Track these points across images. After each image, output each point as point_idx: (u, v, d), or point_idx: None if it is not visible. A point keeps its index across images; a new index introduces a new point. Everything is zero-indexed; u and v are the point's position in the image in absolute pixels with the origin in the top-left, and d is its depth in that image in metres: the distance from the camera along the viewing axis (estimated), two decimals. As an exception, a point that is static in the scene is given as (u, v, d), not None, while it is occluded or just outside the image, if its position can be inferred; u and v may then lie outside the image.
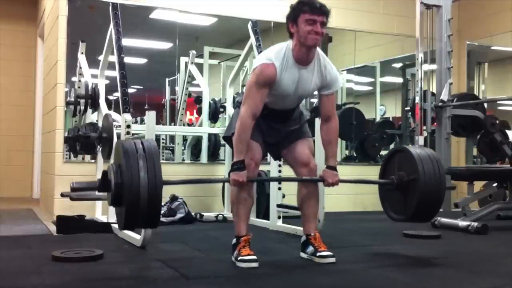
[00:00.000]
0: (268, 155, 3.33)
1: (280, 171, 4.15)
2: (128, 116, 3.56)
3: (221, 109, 5.74)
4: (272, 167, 4.20)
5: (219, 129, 5.55)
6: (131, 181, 2.28)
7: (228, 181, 2.77)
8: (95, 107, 4.46)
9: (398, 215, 3.03)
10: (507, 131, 5.00)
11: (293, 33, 2.75)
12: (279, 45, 2.80)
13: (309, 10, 2.68)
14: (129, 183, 2.29)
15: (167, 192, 4.62)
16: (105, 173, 2.44)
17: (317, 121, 3.46)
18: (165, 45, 6.11)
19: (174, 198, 4.57)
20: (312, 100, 6.31)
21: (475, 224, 4.03)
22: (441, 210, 4.80)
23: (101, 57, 4.46)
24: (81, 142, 4.21)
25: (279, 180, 3.58)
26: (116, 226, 3.80)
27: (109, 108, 4.44)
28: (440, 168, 2.89)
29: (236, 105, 3.14)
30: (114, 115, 4.16)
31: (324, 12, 2.70)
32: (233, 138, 2.79)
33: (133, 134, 3.62)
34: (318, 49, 2.82)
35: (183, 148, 6.03)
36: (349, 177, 5.93)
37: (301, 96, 2.89)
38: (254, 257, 2.71)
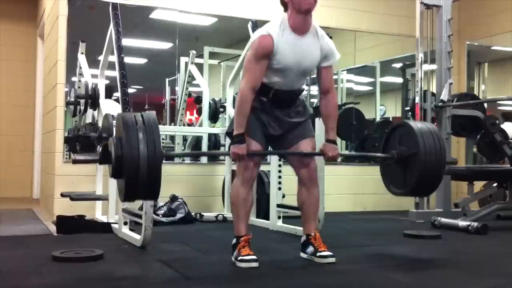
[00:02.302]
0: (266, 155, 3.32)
1: (280, 171, 4.15)
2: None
3: (221, 109, 5.74)
4: (272, 167, 4.20)
5: (219, 129, 5.56)
6: (131, 153, 2.32)
7: (229, 155, 2.78)
8: (95, 107, 4.46)
9: (399, 189, 3.02)
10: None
11: (287, 3, 2.77)
12: (274, 20, 2.82)
13: None
14: (129, 155, 2.32)
15: (167, 192, 4.63)
16: (106, 146, 2.47)
17: (318, 121, 3.48)
18: (165, 45, 6.11)
19: (174, 198, 4.57)
20: (312, 100, 6.32)
21: (475, 224, 4.03)
22: (441, 210, 4.86)
23: (101, 57, 4.46)
24: (81, 142, 4.21)
25: (280, 153, 3.31)
26: (116, 226, 3.80)
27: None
28: (440, 142, 2.88)
29: None
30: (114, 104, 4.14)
31: None
32: (234, 112, 2.81)
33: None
34: (314, 22, 2.83)
35: (183, 148, 6.03)
36: (349, 177, 6.05)
37: (304, 69, 2.85)
38: (254, 257, 2.71)
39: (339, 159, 2.87)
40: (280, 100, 2.86)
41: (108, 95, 4.59)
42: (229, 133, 3.05)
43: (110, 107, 4.14)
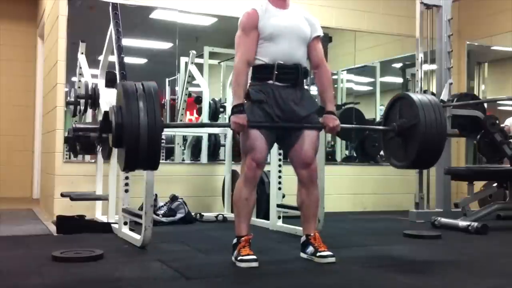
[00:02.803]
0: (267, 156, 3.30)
1: (280, 171, 4.15)
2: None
3: (221, 109, 5.74)
4: (272, 167, 4.20)
5: (219, 129, 5.55)
6: (131, 122, 2.33)
7: (229, 126, 2.78)
8: (95, 107, 4.46)
9: (400, 162, 3.01)
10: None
11: None
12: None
13: None
14: (129, 124, 2.33)
15: (167, 192, 4.63)
16: (106, 114, 2.48)
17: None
18: (165, 45, 6.11)
19: (174, 198, 4.57)
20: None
21: (475, 224, 4.03)
22: (441, 210, 4.86)
23: (101, 57, 4.46)
24: (81, 142, 4.21)
25: (281, 127, 3.16)
26: (116, 226, 3.80)
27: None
28: (441, 113, 2.88)
29: None
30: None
31: None
32: (232, 84, 2.87)
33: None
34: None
35: (183, 148, 6.02)
36: (350, 177, 6.05)
37: (298, 34, 2.87)
38: (254, 257, 2.71)
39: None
40: (286, 75, 2.83)
41: (111, 84, 4.53)
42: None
43: (112, 97, 4.13)
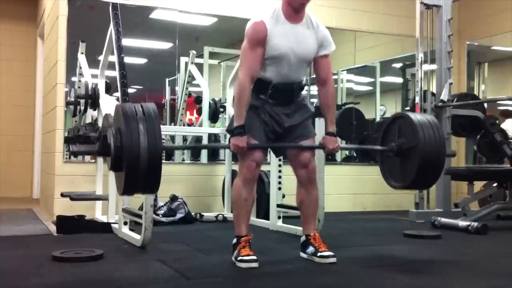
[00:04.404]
0: (267, 155, 3.31)
1: (280, 171, 4.15)
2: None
3: (221, 109, 5.74)
4: (272, 167, 4.19)
5: (219, 129, 5.55)
6: (131, 144, 2.27)
7: (229, 147, 2.76)
8: (95, 107, 4.46)
9: (398, 183, 2.99)
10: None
11: None
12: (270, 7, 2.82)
13: None
14: (129, 147, 2.27)
15: (167, 192, 4.63)
16: (104, 137, 2.42)
17: (318, 121, 3.47)
18: (165, 45, 6.11)
19: (174, 198, 4.57)
20: (312, 100, 6.31)
21: (475, 224, 4.03)
22: (441, 210, 4.86)
23: (101, 57, 4.46)
24: (81, 142, 4.21)
25: (280, 146, 3.18)
26: (116, 226, 3.80)
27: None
28: (440, 134, 2.86)
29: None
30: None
31: None
32: (233, 103, 2.80)
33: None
34: (308, 11, 2.83)
35: (183, 148, 6.03)
36: (349, 177, 6.05)
37: (301, 58, 2.81)
38: (254, 257, 2.71)
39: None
40: (279, 95, 2.82)
41: (107, 92, 4.58)
42: (229, 131, 3.05)
43: (110, 104, 4.13)
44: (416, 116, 2.94)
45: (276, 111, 2.84)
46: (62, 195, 4.44)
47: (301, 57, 2.81)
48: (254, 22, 2.76)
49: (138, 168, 2.27)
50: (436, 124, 2.90)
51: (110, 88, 4.81)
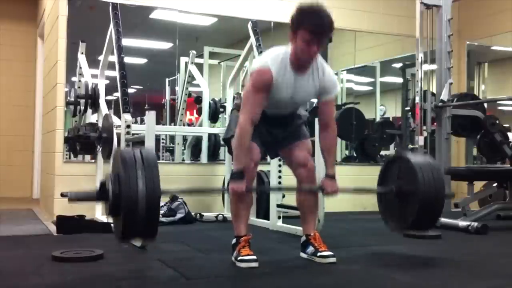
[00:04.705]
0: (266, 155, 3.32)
1: (280, 171, 4.15)
2: (128, 116, 3.57)
3: (221, 109, 5.74)
4: (272, 167, 4.19)
5: (219, 129, 5.55)
6: (129, 191, 2.25)
7: (227, 191, 2.75)
8: (95, 107, 4.46)
9: (396, 224, 3.04)
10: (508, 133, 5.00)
11: (292, 38, 2.70)
12: (277, 49, 2.76)
13: (310, 30, 2.60)
14: (127, 193, 2.26)
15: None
16: (103, 183, 2.41)
17: (317, 121, 3.47)
18: (165, 45, 6.11)
19: (174, 198, 4.57)
20: (311, 100, 6.31)
21: (475, 224, 4.03)
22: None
23: (101, 57, 4.46)
24: (81, 142, 4.21)
25: (278, 190, 3.40)
26: (116, 226, 3.80)
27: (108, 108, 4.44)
28: (440, 176, 2.90)
29: (233, 107, 3.12)
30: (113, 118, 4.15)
31: (324, 32, 2.64)
32: (233, 146, 2.78)
33: (133, 134, 3.62)
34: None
35: (183, 148, 6.03)
36: (349, 177, 6.04)
37: (297, 103, 2.88)
38: (254, 257, 2.71)
39: (338, 195, 2.88)
40: (272, 122, 2.88)
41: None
42: (225, 139, 3.06)
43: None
44: (416, 159, 2.96)
45: (270, 130, 2.90)
46: (62, 195, 4.42)
47: (298, 101, 2.86)
48: (261, 68, 2.69)
49: (135, 216, 2.26)
50: (435, 166, 2.93)
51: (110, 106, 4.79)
